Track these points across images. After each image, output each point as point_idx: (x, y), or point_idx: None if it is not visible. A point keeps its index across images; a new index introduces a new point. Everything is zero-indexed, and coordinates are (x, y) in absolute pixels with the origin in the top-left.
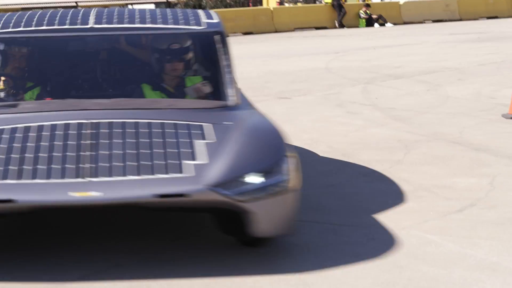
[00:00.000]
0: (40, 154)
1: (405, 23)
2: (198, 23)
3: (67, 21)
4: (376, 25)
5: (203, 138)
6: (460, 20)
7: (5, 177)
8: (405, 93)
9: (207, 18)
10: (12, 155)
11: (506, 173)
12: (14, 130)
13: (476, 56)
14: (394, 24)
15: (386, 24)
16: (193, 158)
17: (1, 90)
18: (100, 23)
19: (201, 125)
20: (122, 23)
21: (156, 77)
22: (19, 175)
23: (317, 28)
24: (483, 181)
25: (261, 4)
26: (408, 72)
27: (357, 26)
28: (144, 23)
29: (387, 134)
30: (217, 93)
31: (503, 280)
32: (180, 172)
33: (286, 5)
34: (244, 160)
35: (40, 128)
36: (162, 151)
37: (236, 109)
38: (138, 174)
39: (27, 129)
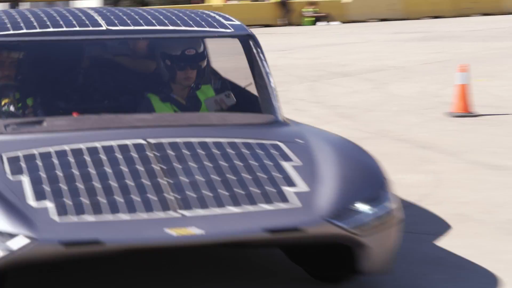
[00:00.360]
0: (110, 183)
1: (351, 21)
2: (222, 25)
3: (74, 23)
4: (319, 23)
5: (288, 160)
6: (405, 19)
7: (80, 212)
8: (352, 91)
9: (226, 20)
10: (78, 185)
11: (451, 170)
12: (62, 153)
13: (421, 55)
14: (341, 22)
15: (332, 23)
16: (291, 184)
17: (9, 104)
18: (114, 25)
19: (277, 144)
20: (139, 25)
21: (165, 86)
22: (97, 210)
23: (264, 26)
24: (429, 178)
25: (202, 1)
26: (354, 70)
27: (302, 24)
28: (164, 25)
29: (333, 131)
30: (262, 106)
31: (448, 274)
32: (285, 201)
33: (235, 2)
34: (349, 187)
35: (93, 150)
36: (250, 176)
37: (288, 124)
38: (238, 205)
39: (77, 152)
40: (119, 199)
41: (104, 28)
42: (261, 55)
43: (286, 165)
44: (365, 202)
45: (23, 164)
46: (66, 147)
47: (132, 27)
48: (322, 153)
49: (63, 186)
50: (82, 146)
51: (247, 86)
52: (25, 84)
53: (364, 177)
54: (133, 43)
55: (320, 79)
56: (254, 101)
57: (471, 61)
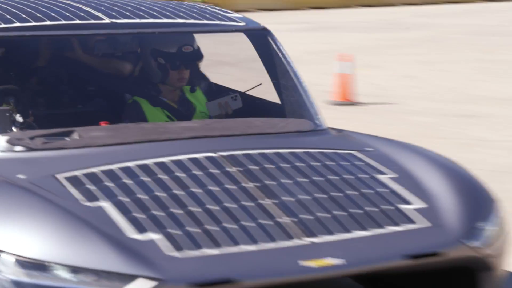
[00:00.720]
0: (209, 207)
1: (236, 11)
2: (229, 18)
3: (67, 15)
4: None
5: (380, 172)
6: (289, 9)
7: (197, 245)
8: (235, 80)
9: (226, 13)
10: (173, 210)
11: None
12: (129, 171)
13: (305, 45)
14: None
15: None
16: (404, 200)
17: (10, 112)
18: (116, 18)
19: (353, 153)
20: (143, 18)
21: (153, 88)
22: (214, 241)
23: None
24: None
25: None
26: (238, 60)
27: None
28: (168, 17)
29: None
30: (293, 111)
31: None
32: (411, 221)
33: None
34: (467, 202)
35: (164, 167)
36: (355, 192)
37: (338, 130)
38: (364, 228)
39: (146, 169)
40: (231, 226)
41: (107, 21)
42: (283, 52)
43: (383, 178)
44: (484, 220)
45: (91, 187)
46: (130, 164)
47: (138, 20)
48: (412, 164)
49: (158, 213)
50: (147, 162)
51: (249, 89)
52: (23, 87)
53: (474, 190)
54: (124, 38)
55: (204, 68)
56: (267, 106)
57: (354, 51)
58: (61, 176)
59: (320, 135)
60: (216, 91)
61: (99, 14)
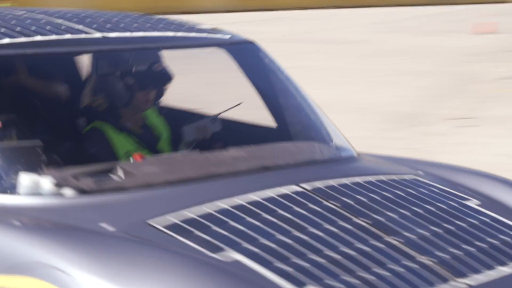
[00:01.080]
0: (343, 249)
1: None
2: (210, 31)
3: (50, 30)
4: None
5: (464, 198)
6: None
7: None
8: None
9: (202, 25)
10: (311, 257)
11: None
12: (229, 213)
13: None
14: None
15: None
16: (508, 227)
17: (41, 146)
18: (104, 31)
19: (418, 179)
20: (135, 31)
21: (115, 112)
22: None
23: None
24: None
25: None
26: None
27: None
28: (160, 30)
29: None
30: (314, 133)
31: None
32: None
33: None
34: None
35: (262, 206)
36: (463, 223)
37: (359, 156)
38: (503, 264)
39: (245, 210)
40: (381, 272)
41: (99, 36)
42: (278, 66)
43: (472, 205)
44: None
45: (203, 235)
46: (222, 204)
47: (129, 34)
48: (481, 187)
49: (300, 262)
50: (238, 201)
51: (224, 111)
52: (16, 115)
53: None
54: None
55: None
56: (260, 131)
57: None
58: (156, 224)
59: (359, 159)
60: (179, 115)
61: (81, 27)
